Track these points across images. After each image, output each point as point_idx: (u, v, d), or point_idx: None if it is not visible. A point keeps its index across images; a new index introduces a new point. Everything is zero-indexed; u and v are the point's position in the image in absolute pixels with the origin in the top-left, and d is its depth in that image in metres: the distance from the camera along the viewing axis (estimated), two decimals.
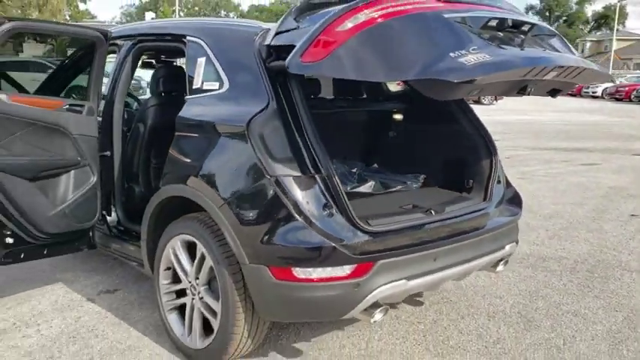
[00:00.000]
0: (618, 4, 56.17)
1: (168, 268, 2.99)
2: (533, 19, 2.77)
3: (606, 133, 14.78)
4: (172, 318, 2.99)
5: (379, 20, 2.24)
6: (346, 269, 2.40)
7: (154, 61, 4.23)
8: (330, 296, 2.42)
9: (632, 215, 6.14)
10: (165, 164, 2.94)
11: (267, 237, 2.43)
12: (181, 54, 3.34)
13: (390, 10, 2.27)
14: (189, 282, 2.84)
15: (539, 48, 2.56)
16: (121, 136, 3.62)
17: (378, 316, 2.55)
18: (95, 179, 3.39)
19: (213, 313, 2.73)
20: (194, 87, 2.96)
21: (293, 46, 2.33)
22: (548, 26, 2.84)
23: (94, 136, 3.37)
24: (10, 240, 3.11)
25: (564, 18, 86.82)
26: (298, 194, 2.43)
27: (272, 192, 2.43)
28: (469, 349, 3.06)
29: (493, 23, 2.43)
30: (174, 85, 3.74)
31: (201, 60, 2.95)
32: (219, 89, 2.82)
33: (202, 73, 2.93)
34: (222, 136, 2.68)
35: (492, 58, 2.17)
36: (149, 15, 68.53)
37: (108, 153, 3.51)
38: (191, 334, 2.85)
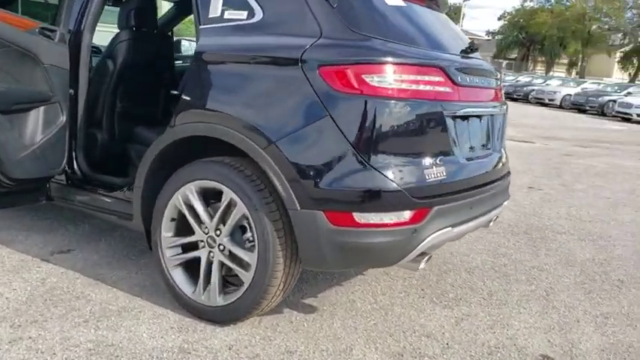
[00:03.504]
0: (462, 4, 60.75)
1: (173, 219, 2.67)
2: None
3: None
4: (178, 274, 2.68)
5: (401, 95, 2.30)
6: (406, 215, 2.31)
7: None
8: (389, 242, 2.32)
9: (530, 187, 6.70)
10: (180, 101, 2.60)
11: (325, 180, 2.26)
12: None
13: (414, 87, 2.34)
14: (207, 233, 2.56)
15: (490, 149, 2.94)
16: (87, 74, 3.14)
17: (423, 264, 2.50)
18: (64, 119, 2.93)
19: (242, 265, 2.49)
20: (210, 16, 2.64)
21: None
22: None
23: (65, 68, 2.89)
24: None
25: None
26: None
27: (334, 132, 2.26)
28: (470, 300, 3.13)
29: (475, 115, 2.72)
30: (146, 20, 3.35)
31: None
32: (247, 19, 2.54)
33: (221, 0, 2.62)
34: (266, 70, 2.42)
35: (445, 177, 2.44)
36: None
37: (71, 91, 3.03)
38: (207, 291, 2.58)
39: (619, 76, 48.90)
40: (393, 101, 2.28)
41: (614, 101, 22.02)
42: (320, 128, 2.27)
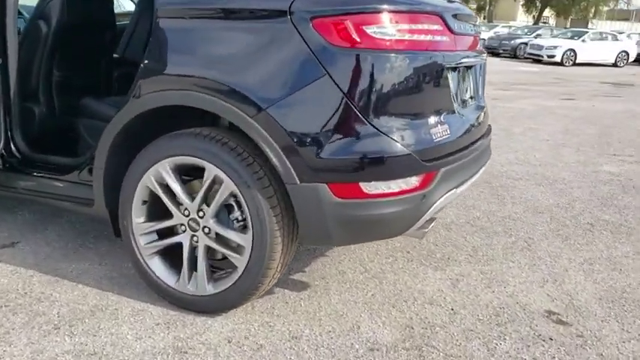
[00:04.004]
0: None
1: (145, 202, 2.35)
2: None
3: None
4: (156, 264, 2.38)
5: (404, 47, 2.07)
6: (414, 180, 2.12)
7: None
8: (398, 212, 2.12)
9: None
10: (144, 66, 2.25)
11: (327, 148, 2.01)
12: None
13: (415, 37, 2.12)
14: (187, 215, 2.27)
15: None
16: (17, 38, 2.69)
17: (428, 229, 2.34)
18: None
19: (232, 248, 2.24)
20: None
21: None
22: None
23: None
24: None
25: None
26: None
27: (335, 93, 2.00)
28: (458, 258, 3.04)
29: (466, 65, 2.53)
30: None
31: None
32: None
33: None
34: (249, 24, 2.10)
35: (450, 135, 2.26)
36: None
37: (0, 60, 2.59)
38: (194, 279, 2.31)
39: (523, 18, 50.70)
40: (396, 54, 2.05)
41: (526, 44, 22.76)
42: (317, 90, 2.01)
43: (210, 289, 2.28)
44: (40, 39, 2.80)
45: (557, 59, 20.70)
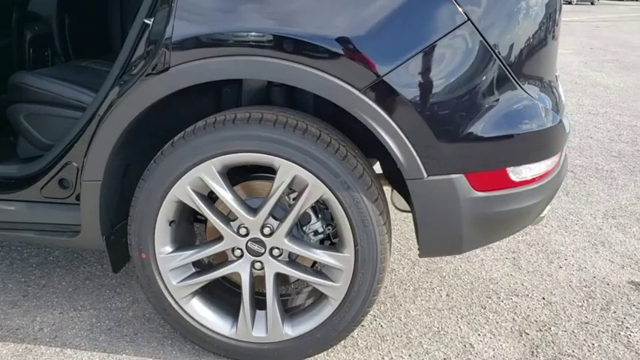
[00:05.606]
0: None
1: (172, 222, 1.61)
2: None
3: None
4: (196, 307, 1.67)
5: None
6: (557, 157, 1.66)
7: None
8: (540, 200, 1.64)
9: None
10: (174, 25, 1.46)
11: (469, 125, 1.45)
12: None
13: None
14: (245, 235, 1.58)
15: None
16: None
17: (545, 215, 1.90)
18: None
19: (315, 273, 1.62)
20: None
21: None
22: None
23: None
24: None
25: None
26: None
27: (478, 47, 1.42)
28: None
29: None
30: None
31: None
32: None
33: None
34: None
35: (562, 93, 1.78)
36: None
37: None
38: (259, 322, 1.64)
39: None
40: None
41: None
42: (454, 44, 1.42)
43: (288, 332, 1.64)
44: None
45: None
